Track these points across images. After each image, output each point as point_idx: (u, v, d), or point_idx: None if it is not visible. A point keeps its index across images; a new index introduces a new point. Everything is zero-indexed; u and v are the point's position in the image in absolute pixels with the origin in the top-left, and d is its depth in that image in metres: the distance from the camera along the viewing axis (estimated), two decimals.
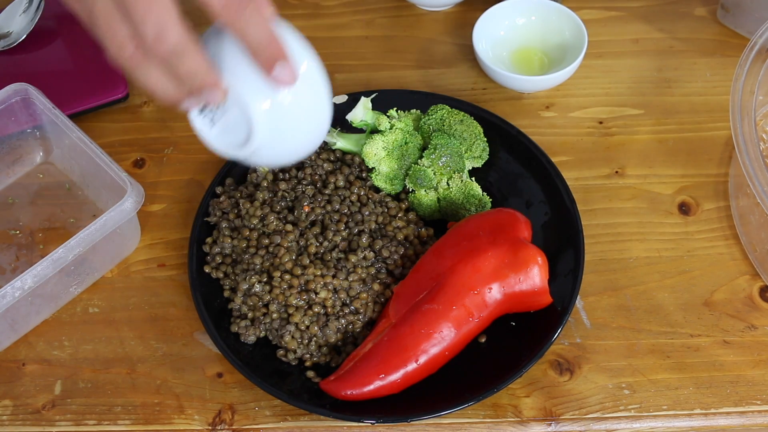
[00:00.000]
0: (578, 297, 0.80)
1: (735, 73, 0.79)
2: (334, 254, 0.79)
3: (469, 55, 0.98)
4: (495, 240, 0.75)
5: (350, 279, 0.78)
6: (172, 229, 0.87)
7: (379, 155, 0.84)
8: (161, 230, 0.87)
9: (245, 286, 0.78)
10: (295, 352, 0.77)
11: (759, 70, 0.79)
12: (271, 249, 0.80)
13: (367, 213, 0.82)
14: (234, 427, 0.75)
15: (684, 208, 0.86)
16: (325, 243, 0.80)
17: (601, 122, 0.93)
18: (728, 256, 0.83)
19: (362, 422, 0.73)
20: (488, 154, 0.87)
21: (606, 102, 0.94)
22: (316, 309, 0.77)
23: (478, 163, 0.87)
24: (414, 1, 1.02)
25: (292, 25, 0.61)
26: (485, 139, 0.87)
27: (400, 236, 0.82)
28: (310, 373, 0.76)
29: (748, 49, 0.80)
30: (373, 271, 0.79)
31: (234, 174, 0.87)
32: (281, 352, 0.77)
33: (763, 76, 0.79)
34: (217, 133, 0.62)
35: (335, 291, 0.78)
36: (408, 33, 1.02)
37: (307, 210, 0.81)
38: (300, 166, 0.85)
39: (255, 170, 0.85)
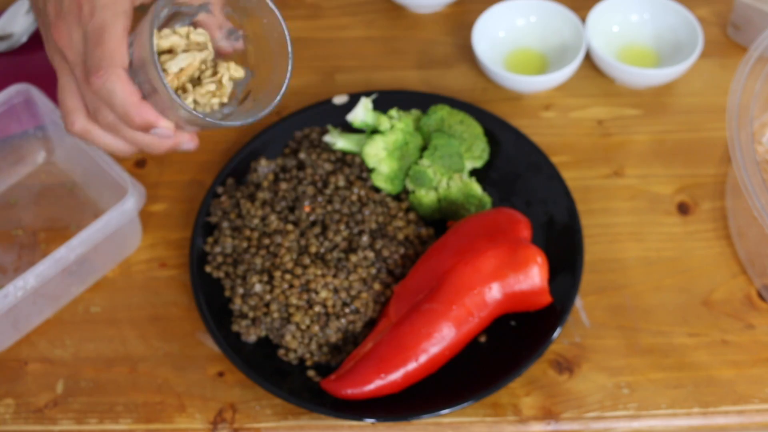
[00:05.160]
0: (577, 296, 0.80)
1: (731, 87, 0.79)
2: (334, 254, 0.80)
3: (468, 55, 0.99)
4: (495, 240, 0.76)
5: (351, 279, 0.78)
6: (173, 229, 0.87)
7: (380, 155, 0.84)
8: (162, 230, 0.87)
9: (246, 286, 0.79)
10: (295, 351, 0.77)
11: (756, 80, 0.79)
12: (271, 249, 0.80)
13: (367, 213, 0.83)
14: (235, 425, 0.76)
15: (683, 208, 0.87)
16: (326, 243, 0.80)
17: (600, 122, 0.93)
18: (727, 255, 0.84)
19: (363, 421, 0.73)
20: (488, 154, 0.88)
21: (605, 102, 0.94)
22: (317, 309, 0.77)
23: (478, 163, 0.87)
24: (402, 3, 1.02)
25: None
26: (485, 139, 0.87)
27: (401, 236, 0.82)
28: (311, 373, 0.76)
29: (745, 60, 0.80)
30: (373, 270, 0.79)
31: (235, 174, 0.87)
32: (282, 351, 0.78)
33: (761, 87, 0.79)
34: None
35: (336, 291, 0.78)
36: (408, 34, 1.02)
37: (307, 210, 0.82)
38: (301, 166, 0.86)
39: (255, 170, 0.86)
